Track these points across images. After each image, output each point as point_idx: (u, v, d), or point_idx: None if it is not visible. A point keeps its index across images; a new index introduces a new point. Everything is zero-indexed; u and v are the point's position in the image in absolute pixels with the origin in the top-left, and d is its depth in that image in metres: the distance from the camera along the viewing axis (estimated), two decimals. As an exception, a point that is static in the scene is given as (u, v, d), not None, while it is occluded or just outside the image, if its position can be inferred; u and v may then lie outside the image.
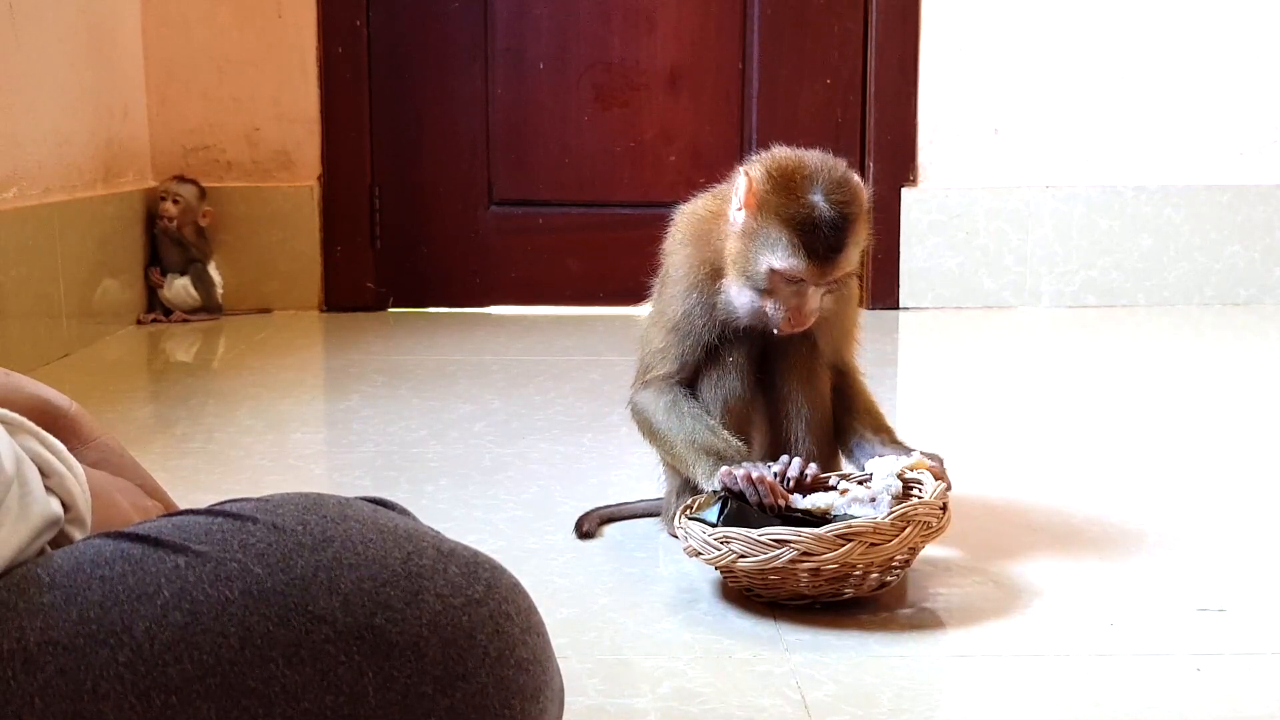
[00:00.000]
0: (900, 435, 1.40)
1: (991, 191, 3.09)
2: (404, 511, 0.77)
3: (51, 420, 0.78)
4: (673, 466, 1.39)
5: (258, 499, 0.72)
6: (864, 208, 1.30)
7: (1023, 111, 3.09)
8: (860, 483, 1.30)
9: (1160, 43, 3.06)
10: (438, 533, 0.74)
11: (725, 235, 1.33)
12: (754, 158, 1.33)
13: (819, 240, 1.26)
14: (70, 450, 0.74)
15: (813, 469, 1.29)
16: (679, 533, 1.25)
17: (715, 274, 1.35)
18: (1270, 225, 3.10)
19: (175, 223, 2.91)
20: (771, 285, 1.29)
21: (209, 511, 0.70)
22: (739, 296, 1.32)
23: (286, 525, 0.68)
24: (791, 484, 1.28)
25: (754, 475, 1.24)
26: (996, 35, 3.07)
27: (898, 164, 3.10)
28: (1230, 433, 1.96)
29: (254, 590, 0.65)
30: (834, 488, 1.30)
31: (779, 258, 1.27)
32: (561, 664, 0.78)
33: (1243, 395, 2.25)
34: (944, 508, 1.22)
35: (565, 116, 3.14)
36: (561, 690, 0.76)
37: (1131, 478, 1.70)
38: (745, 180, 1.29)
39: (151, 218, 2.94)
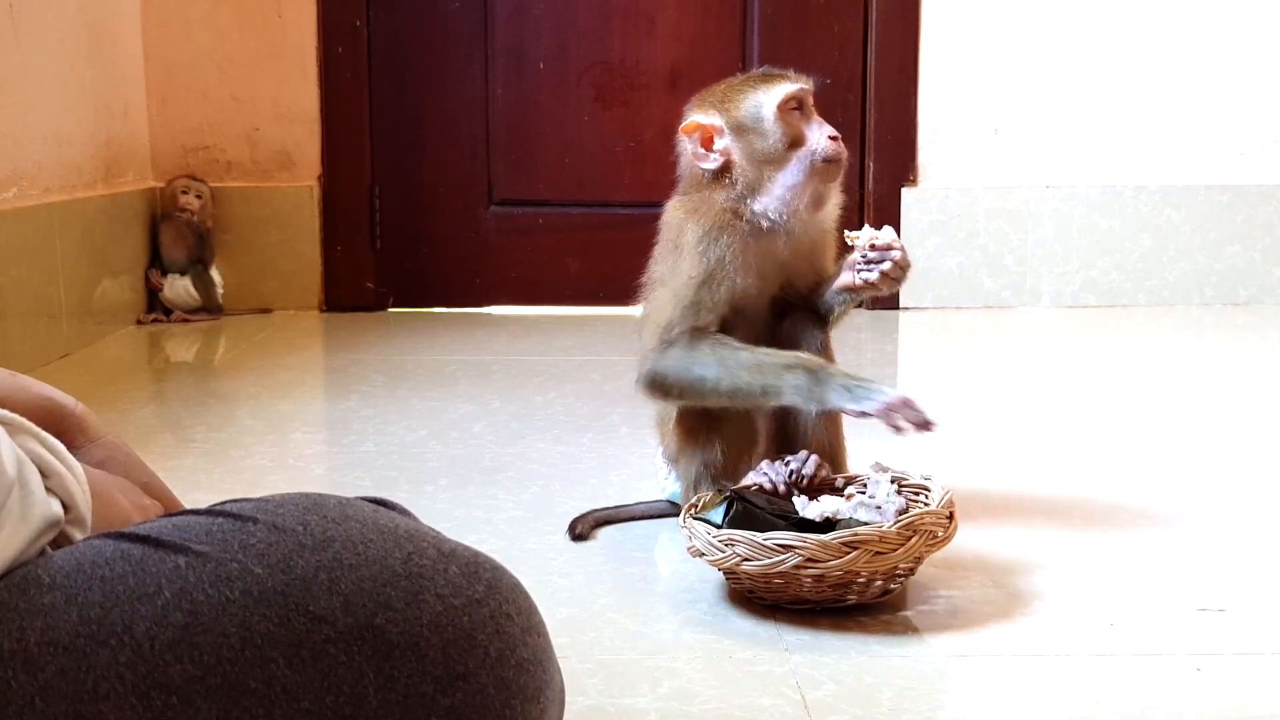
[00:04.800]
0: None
1: (991, 191, 3.09)
2: (404, 511, 0.77)
3: (57, 420, 0.78)
4: (712, 416, 1.39)
5: (258, 499, 0.72)
6: None
7: (1023, 111, 3.09)
8: (863, 488, 1.30)
9: (1160, 43, 3.06)
10: (438, 533, 0.74)
11: (721, 186, 1.42)
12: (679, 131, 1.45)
13: (780, 72, 1.42)
14: (76, 449, 0.73)
15: (821, 469, 1.29)
16: (683, 532, 1.25)
17: (735, 214, 1.40)
18: (1270, 225, 3.10)
19: (198, 216, 2.92)
20: (788, 129, 1.38)
21: (209, 512, 0.70)
22: (782, 178, 1.38)
23: (287, 525, 0.68)
24: (806, 482, 1.28)
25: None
26: (996, 35, 3.07)
27: (898, 164, 3.09)
28: (1230, 433, 1.96)
29: (254, 591, 0.65)
30: (840, 490, 1.30)
31: (773, 97, 1.39)
32: (561, 664, 0.77)
33: (1243, 395, 2.25)
34: (950, 517, 1.22)
35: (565, 116, 3.14)
36: (562, 690, 0.76)
37: (1131, 478, 1.70)
38: (696, 127, 1.42)
39: (153, 218, 2.94)
